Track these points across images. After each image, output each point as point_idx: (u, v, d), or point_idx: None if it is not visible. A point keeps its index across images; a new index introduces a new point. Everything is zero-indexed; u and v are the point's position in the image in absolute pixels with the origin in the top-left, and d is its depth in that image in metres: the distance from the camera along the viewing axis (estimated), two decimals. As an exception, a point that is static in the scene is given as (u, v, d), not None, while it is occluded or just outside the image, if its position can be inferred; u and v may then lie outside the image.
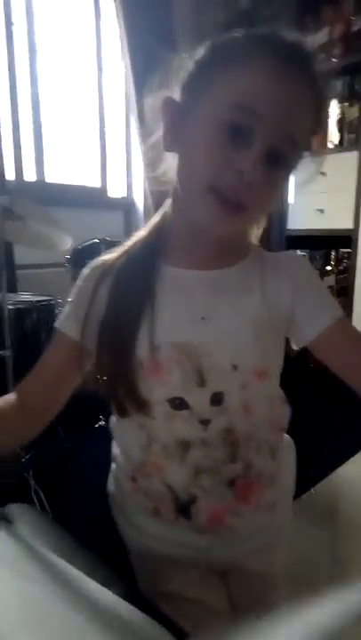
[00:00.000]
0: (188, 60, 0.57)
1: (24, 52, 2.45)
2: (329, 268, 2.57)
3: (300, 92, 0.53)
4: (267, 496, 0.65)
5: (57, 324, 0.67)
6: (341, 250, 2.54)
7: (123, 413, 0.63)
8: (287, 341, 0.66)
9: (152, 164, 0.65)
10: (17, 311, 1.74)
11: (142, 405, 0.60)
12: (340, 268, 2.54)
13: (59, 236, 1.72)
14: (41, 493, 1.48)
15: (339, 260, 2.55)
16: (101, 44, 2.81)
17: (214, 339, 0.59)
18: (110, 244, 1.66)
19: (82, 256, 1.69)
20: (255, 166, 0.51)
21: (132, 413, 0.62)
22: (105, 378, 0.63)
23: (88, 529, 1.40)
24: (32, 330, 1.85)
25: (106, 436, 2.09)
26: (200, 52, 0.57)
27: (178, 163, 0.58)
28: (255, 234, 0.72)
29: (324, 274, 2.59)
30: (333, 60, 2.41)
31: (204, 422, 0.59)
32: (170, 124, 0.57)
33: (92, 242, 1.66)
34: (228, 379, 0.60)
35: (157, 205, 2.53)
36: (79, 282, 0.67)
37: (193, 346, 0.59)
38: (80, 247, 1.69)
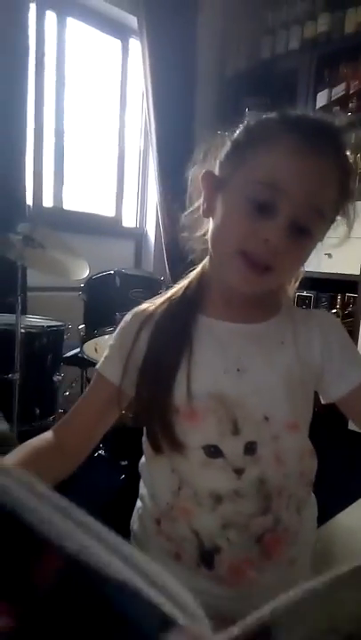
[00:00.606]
0: (226, 139, 0.64)
1: (52, 84, 2.57)
2: (334, 311, 2.61)
3: (324, 167, 0.57)
4: (290, 552, 0.66)
5: (98, 367, 0.69)
6: (348, 294, 2.59)
7: (157, 450, 0.64)
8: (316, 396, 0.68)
9: (193, 225, 0.69)
10: (27, 335, 1.76)
11: (178, 446, 0.62)
12: (346, 312, 2.58)
13: (75, 264, 1.76)
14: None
15: (345, 305, 2.59)
16: (126, 82, 2.94)
17: (248, 391, 0.62)
18: (124, 277, 1.71)
19: (96, 286, 1.73)
20: (280, 236, 0.56)
21: (165, 451, 0.64)
22: (142, 418, 0.65)
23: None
24: (40, 354, 1.87)
25: (104, 466, 2.09)
26: (237, 132, 0.63)
27: (212, 227, 0.63)
28: (292, 286, 0.76)
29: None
30: (349, 113, 2.52)
31: (238, 471, 0.61)
32: (208, 194, 0.63)
33: (107, 273, 1.70)
34: (260, 429, 0.62)
35: (168, 237, 2.59)
36: (121, 327, 0.70)
37: (228, 396, 0.61)
38: (95, 277, 1.73)
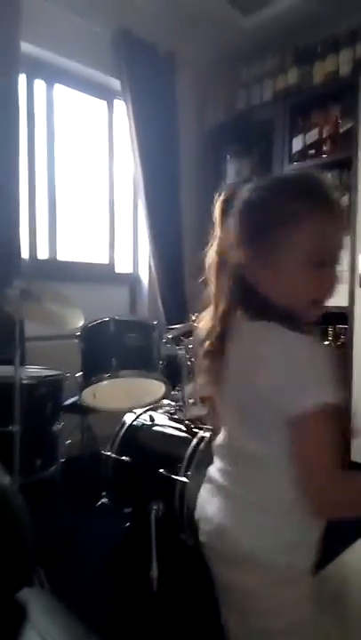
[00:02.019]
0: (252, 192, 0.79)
1: (43, 144, 2.72)
2: (327, 342, 2.66)
3: (341, 223, 0.82)
4: None
5: (325, 399, 0.67)
6: (338, 325, 2.64)
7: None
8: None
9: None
10: (26, 386, 1.79)
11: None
12: (338, 343, 2.63)
13: (71, 313, 1.81)
14: (42, 573, 1.45)
15: (336, 336, 2.64)
16: (113, 137, 3.11)
17: None
18: (118, 323, 1.76)
19: (92, 333, 1.78)
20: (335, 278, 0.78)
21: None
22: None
23: (90, 606, 1.36)
24: (39, 404, 1.89)
25: (108, 515, 2.07)
26: (256, 219, 0.78)
27: (271, 277, 0.76)
28: None
29: (322, 348, 2.68)
30: (323, 155, 2.67)
31: None
32: (254, 248, 0.77)
33: (102, 320, 1.76)
34: None
35: (160, 282, 2.66)
36: (319, 352, 0.73)
37: None
38: (91, 325, 1.78)
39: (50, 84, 2.75)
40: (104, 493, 1.88)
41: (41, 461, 1.87)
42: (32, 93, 2.67)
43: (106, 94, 3.03)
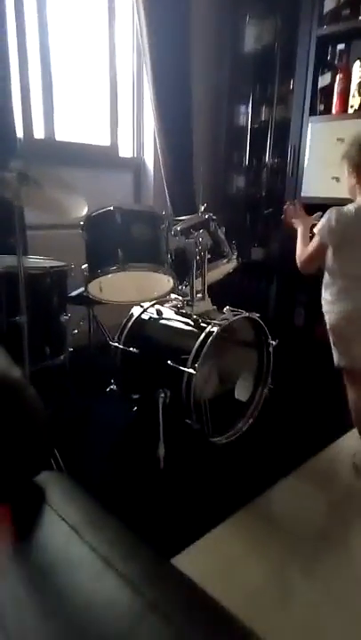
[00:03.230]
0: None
1: (33, 5, 2.33)
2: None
3: None
4: None
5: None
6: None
7: None
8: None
9: None
10: (31, 276, 1.75)
11: None
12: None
13: (74, 202, 1.70)
14: (57, 453, 1.55)
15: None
16: (114, -8, 2.66)
17: None
18: (124, 213, 1.65)
19: (96, 223, 1.67)
20: None
21: None
22: None
23: (102, 485, 1.48)
24: (45, 295, 1.86)
25: (116, 400, 2.17)
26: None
27: None
28: None
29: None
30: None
31: None
32: None
33: (106, 209, 1.64)
34: None
35: (168, 169, 2.53)
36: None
37: None
38: (94, 215, 1.67)
39: None
40: (112, 380, 1.94)
41: (50, 350, 1.90)
42: None
43: None
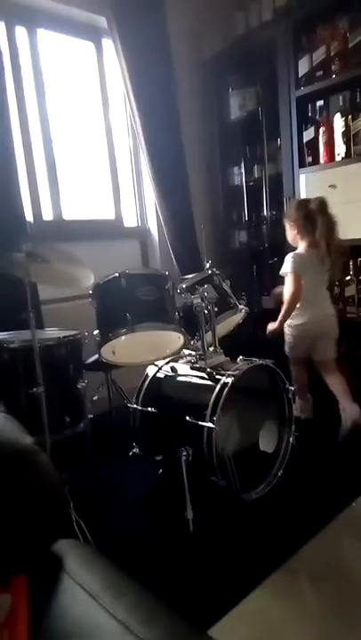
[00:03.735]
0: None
1: (33, 96, 2.59)
2: (348, 277, 2.57)
3: None
4: None
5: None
6: (360, 259, 2.55)
7: None
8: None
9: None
10: (46, 348, 1.80)
11: None
12: (360, 277, 2.55)
13: (81, 272, 1.78)
14: (83, 525, 1.51)
15: (358, 270, 2.55)
16: (105, 82, 2.93)
17: None
18: (129, 277, 1.72)
19: (105, 290, 1.75)
20: None
21: None
22: None
23: (131, 556, 1.43)
24: (61, 365, 1.90)
25: (140, 463, 2.13)
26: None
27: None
28: None
29: (344, 284, 2.60)
30: (333, 76, 2.46)
31: None
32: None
33: (112, 276, 1.72)
34: None
35: (170, 232, 2.66)
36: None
37: None
38: (102, 282, 1.75)
39: (31, 30, 2.58)
40: (134, 444, 1.92)
41: (70, 419, 1.91)
42: (14, 42, 2.51)
43: (92, 34, 2.83)
